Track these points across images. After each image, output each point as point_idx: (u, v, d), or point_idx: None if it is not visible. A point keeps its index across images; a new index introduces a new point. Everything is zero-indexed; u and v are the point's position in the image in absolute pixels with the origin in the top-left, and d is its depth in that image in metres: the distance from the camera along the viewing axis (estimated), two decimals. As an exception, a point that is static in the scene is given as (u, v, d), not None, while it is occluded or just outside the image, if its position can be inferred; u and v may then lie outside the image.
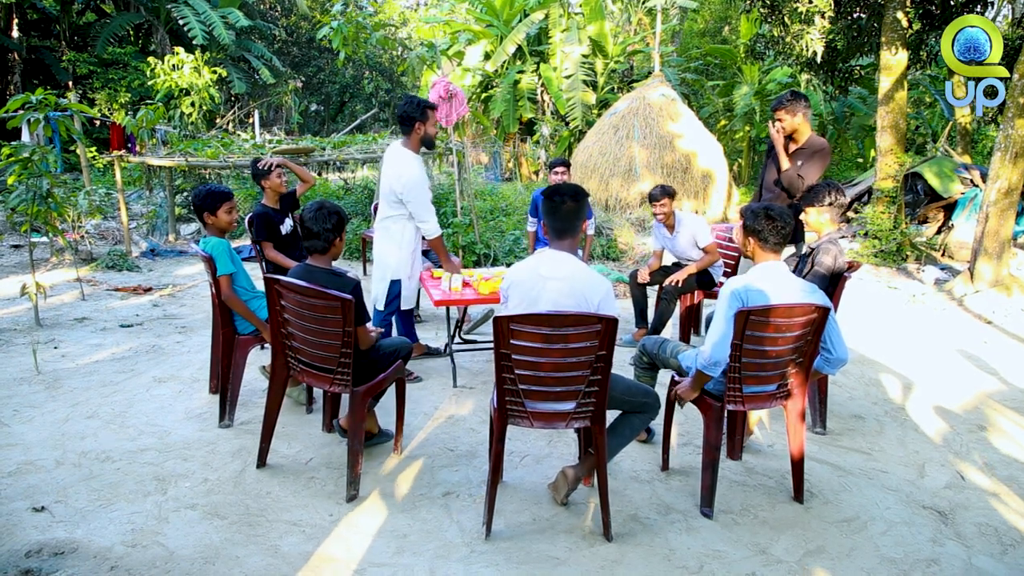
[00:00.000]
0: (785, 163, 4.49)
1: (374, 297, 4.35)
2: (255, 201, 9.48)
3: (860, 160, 16.56)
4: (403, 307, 4.37)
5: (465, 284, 4.43)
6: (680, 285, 4.96)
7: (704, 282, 5.10)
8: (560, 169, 5.81)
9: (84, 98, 17.65)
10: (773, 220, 2.98)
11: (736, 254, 5.35)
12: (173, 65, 12.29)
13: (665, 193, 5.03)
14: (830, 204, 3.67)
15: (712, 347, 2.87)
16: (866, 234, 8.96)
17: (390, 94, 24.04)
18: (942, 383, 4.67)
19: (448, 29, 17.70)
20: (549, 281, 2.74)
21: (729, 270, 5.36)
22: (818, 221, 3.72)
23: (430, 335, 5.45)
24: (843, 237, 3.24)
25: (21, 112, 5.41)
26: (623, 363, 4.15)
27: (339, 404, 3.58)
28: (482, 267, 7.33)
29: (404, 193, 4.16)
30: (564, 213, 2.79)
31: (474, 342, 4.92)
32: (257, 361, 4.39)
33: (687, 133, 12.02)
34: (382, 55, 23.81)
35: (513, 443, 3.48)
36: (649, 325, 5.15)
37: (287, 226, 4.59)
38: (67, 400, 3.97)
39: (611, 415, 2.98)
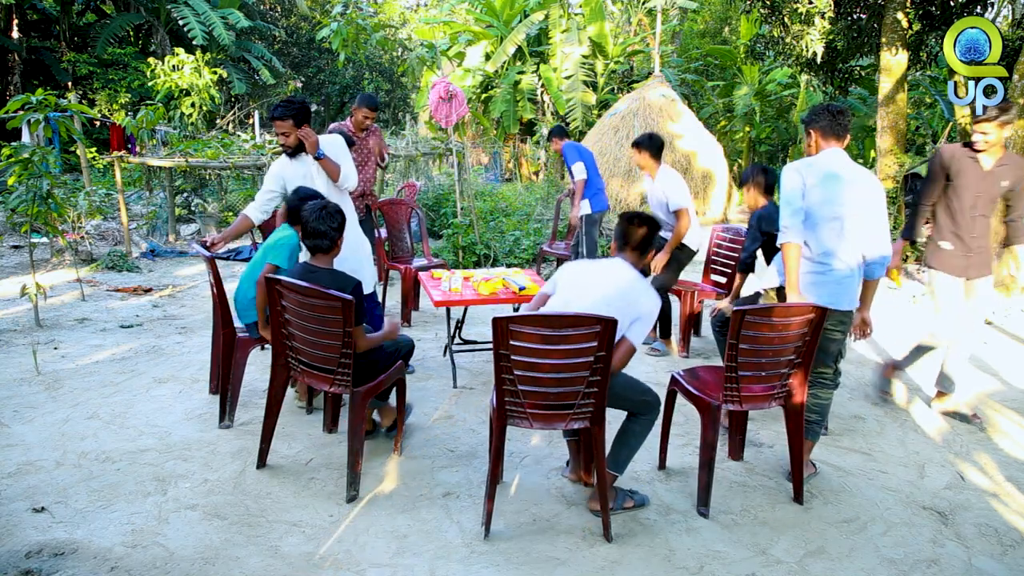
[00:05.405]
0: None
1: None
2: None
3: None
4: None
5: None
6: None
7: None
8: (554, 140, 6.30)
9: (84, 99, 17.65)
10: (834, 114, 3.11)
11: (733, 262, 4.87)
12: (173, 66, 12.29)
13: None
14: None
15: (786, 217, 3.03)
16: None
17: (390, 94, 24.04)
18: (942, 383, 4.66)
19: (448, 30, 17.71)
20: (605, 277, 2.84)
21: (725, 279, 5.03)
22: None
23: (430, 335, 5.46)
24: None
25: (21, 113, 5.41)
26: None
27: (339, 405, 3.58)
28: (482, 268, 7.33)
29: None
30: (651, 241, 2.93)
31: (474, 342, 4.91)
32: (257, 361, 4.39)
33: (687, 134, 12.04)
34: (382, 56, 23.80)
35: (513, 443, 3.48)
36: (658, 330, 5.16)
37: None
38: (67, 401, 3.97)
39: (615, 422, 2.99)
